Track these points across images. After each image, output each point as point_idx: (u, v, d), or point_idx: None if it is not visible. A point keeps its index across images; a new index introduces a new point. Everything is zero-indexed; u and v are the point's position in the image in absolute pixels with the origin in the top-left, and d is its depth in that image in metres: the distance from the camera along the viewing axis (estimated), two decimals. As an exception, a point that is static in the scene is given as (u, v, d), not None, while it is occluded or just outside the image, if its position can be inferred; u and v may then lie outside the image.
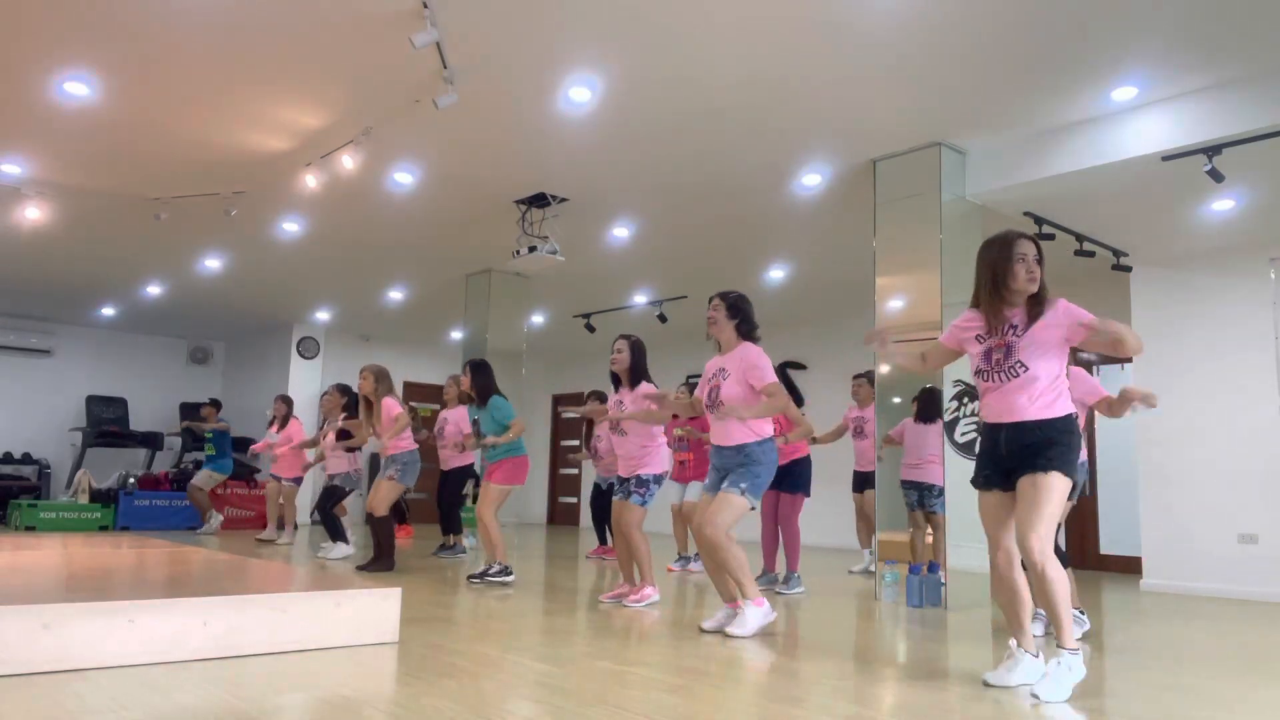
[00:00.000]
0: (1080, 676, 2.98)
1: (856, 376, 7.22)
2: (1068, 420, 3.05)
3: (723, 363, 4.17)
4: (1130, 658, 3.81)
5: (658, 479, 4.95)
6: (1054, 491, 2.96)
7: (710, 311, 4.25)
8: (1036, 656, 3.11)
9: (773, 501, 5.98)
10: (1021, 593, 3.10)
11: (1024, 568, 3.07)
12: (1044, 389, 3.04)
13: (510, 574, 5.77)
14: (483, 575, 5.72)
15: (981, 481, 3.17)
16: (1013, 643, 3.13)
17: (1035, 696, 2.91)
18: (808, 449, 6.07)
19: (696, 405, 4.42)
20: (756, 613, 3.98)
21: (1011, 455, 3.07)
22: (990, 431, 3.15)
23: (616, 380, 5.18)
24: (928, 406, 5.73)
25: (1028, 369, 3.05)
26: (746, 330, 4.21)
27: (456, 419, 7.45)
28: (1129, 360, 7.43)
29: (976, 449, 3.27)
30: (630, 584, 5.08)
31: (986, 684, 3.08)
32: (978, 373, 3.19)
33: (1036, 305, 3.10)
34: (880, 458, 5.93)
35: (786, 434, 5.69)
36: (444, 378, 10.08)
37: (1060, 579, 2.96)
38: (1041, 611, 4.32)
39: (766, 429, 4.10)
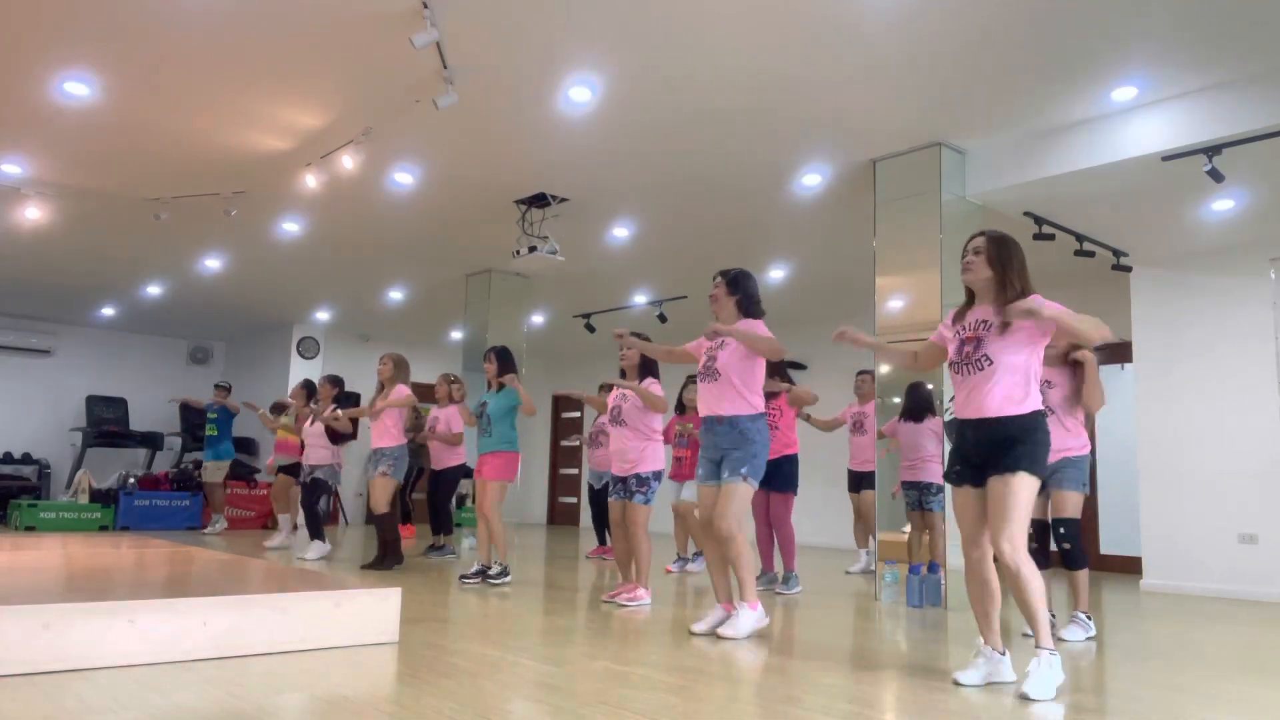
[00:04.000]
0: (1060, 679, 3.00)
1: (861, 372, 7.21)
2: (1034, 418, 3.07)
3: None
4: (1130, 658, 3.81)
5: (657, 475, 4.94)
6: (1022, 492, 3.01)
7: (713, 290, 4.21)
8: (1003, 655, 3.15)
9: (763, 501, 5.95)
10: (993, 590, 3.14)
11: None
12: (1010, 384, 3.07)
13: (508, 575, 5.77)
14: (483, 575, 5.70)
15: (954, 477, 3.21)
16: (979, 641, 3.17)
17: (1024, 696, 2.92)
18: (797, 447, 6.03)
19: (675, 353, 4.36)
20: (751, 616, 3.95)
21: (979, 452, 3.11)
22: (960, 428, 3.20)
23: (624, 377, 5.18)
24: (914, 405, 5.74)
25: (993, 362, 3.09)
26: (748, 306, 4.16)
27: (447, 417, 7.45)
28: (1129, 360, 7.42)
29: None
30: (630, 582, 5.08)
31: (956, 683, 3.09)
32: (951, 364, 3.26)
33: (1009, 301, 3.12)
34: (884, 453, 5.93)
35: (786, 401, 5.72)
36: (445, 378, 10.06)
37: (1034, 580, 2.99)
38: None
39: (759, 403, 4.05)
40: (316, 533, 7.14)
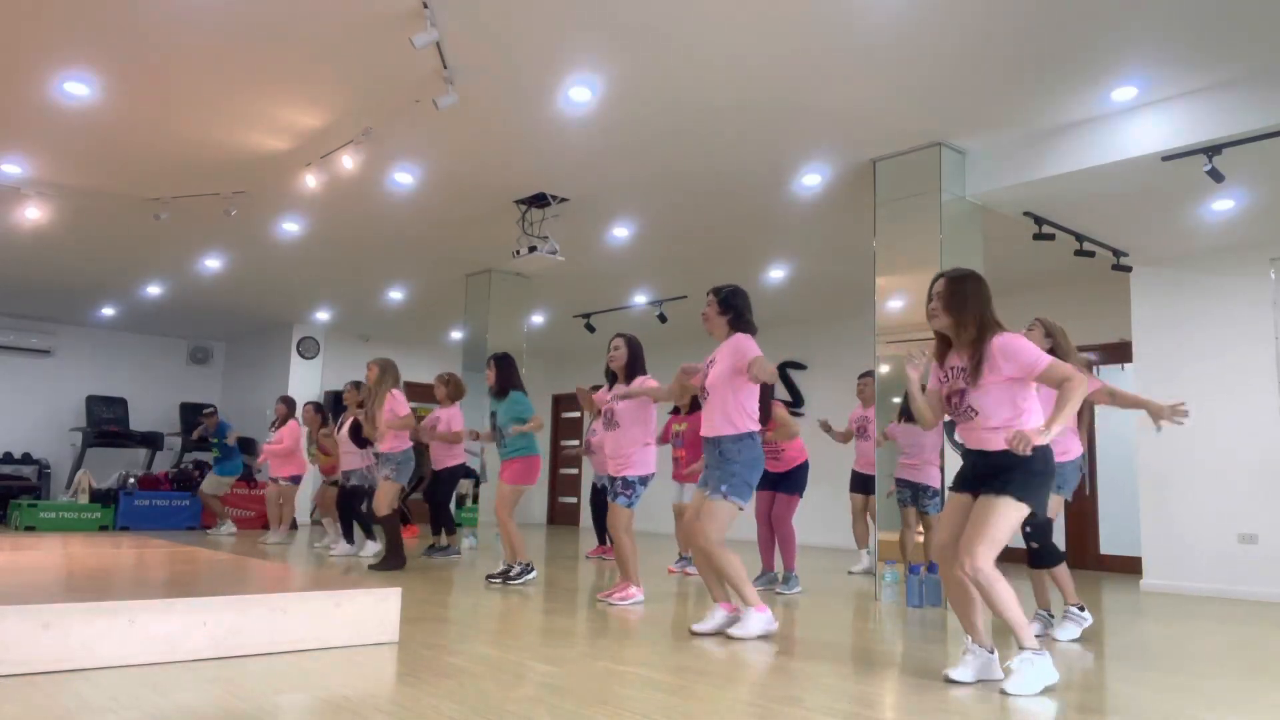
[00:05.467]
0: (1051, 678, 3.02)
1: (862, 376, 7.19)
2: (1035, 451, 3.03)
3: (714, 354, 4.18)
4: (1130, 658, 3.81)
5: (643, 480, 4.95)
6: (1003, 516, 3.02)
7: (705, 308, 4.24)
8: (992, 652, 3.17)
9: (768, 502, 5.97)
10: (968, 591, 3.15)
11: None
12: (1000, 427, 3.09)
13: (532, 572, 5.79)
14: (504, 577, 5.73)
15: (956, 485, 3.27)
16: (967, 639, 3.19)
17: (1003, 693, 2.95)
18: (806, 455, 6.04)
19: (687, 389, 4.41)
20: (760, 619, 3.94)
21: (978, 477, 3.16)
22: (965, 454, 3.27)
23: (613, 378, 5.18)
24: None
25: (979, 413, 3.13)
26: (739, 325, 4.17)
27: (448, 417, 7.48)
28: (1129, 360, 7.42)
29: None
30: (624, 580, 5.10)
31: (948, 679, 3.12)
32: (945, 409, 3.30)
33: (977, 348, 3.12)
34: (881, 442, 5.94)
35: (768, 433, 5.67)
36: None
37: (998, 586, 3.00)
38: (1042, 610, 4.33)
39: (745, 423, 4.02)
40: (369, 533, 7.42)
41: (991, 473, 3.09)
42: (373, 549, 7.37)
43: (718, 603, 4.10)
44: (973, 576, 3.00)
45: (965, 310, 3.15)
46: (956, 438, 3.44)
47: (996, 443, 3.09)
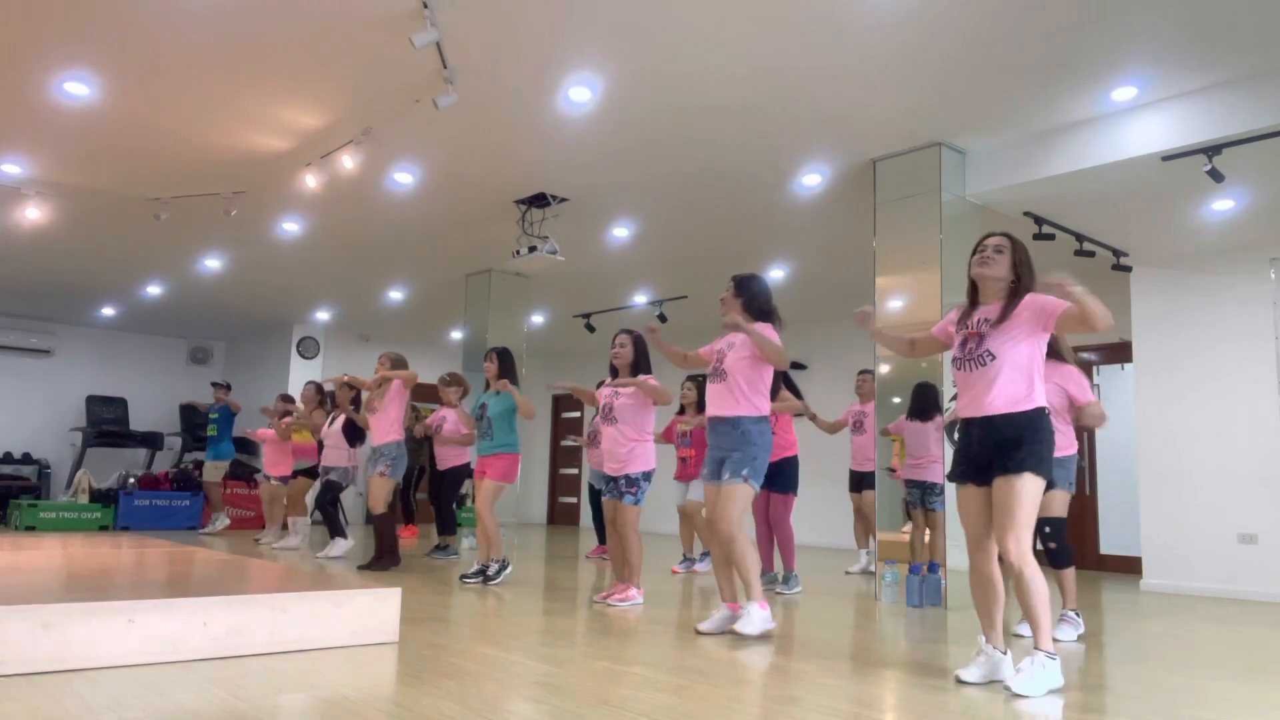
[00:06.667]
0: (1057, 683, 3.02)
1: (862, 372, 7.20)
2: (1037, 415, 3.09)
3: (734, 338, 4.15)
4: (1129, 657, 3.81)
5: (646, 475, 4.95)
6: (1026, 493, 3.02)
7: (724, 294, 4.24)
8: (1005, 654, 3.16)
9: (763, 502, 5.95)
10: (997, 590, 3.16)
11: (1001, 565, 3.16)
12: (1011, 379, 3.09)
13: (508, 568, 5.78)
14: (483, 576, 5.71)
15: (958, 476, 3.23)
16: (981, 639, 3.19)
17: (1008, 690, 2.95)
18: (796, 449, 6.03)
19: (691, 358, 4.40)
20: (761, 615, 3.96)
21: (984, 452, 3.13)
22: (965, 427, 3.23)
23: (615, 374, 5.19)
24: (921, 404, 5.74)
25: (995, 357, 3.13)
26: (755, 310, 4.18)
27: (454, 417, 7.48)
28: (1129, 360, 7.42)
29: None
30: (622, 582, 5.09)
31: (959, 680, 3.12)
32: (954, 361, 3.29)
33: (1013, 299, 3.18)
34: (895, 458, 5.93)
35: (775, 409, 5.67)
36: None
37: (1039, 581, 3.02)
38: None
39: (764, 405, 4.07)
40: (338, 530, 7.24)
41: (1000, 448, 3.07)
42: (341, 548, 7.14)
43: (725, 603, 4.12)
44: (1019, 566, 3.00)
45: (1028, 272, 3.23)
46: (956, 436, 3.44)
47: (999, 403, 3.09)
